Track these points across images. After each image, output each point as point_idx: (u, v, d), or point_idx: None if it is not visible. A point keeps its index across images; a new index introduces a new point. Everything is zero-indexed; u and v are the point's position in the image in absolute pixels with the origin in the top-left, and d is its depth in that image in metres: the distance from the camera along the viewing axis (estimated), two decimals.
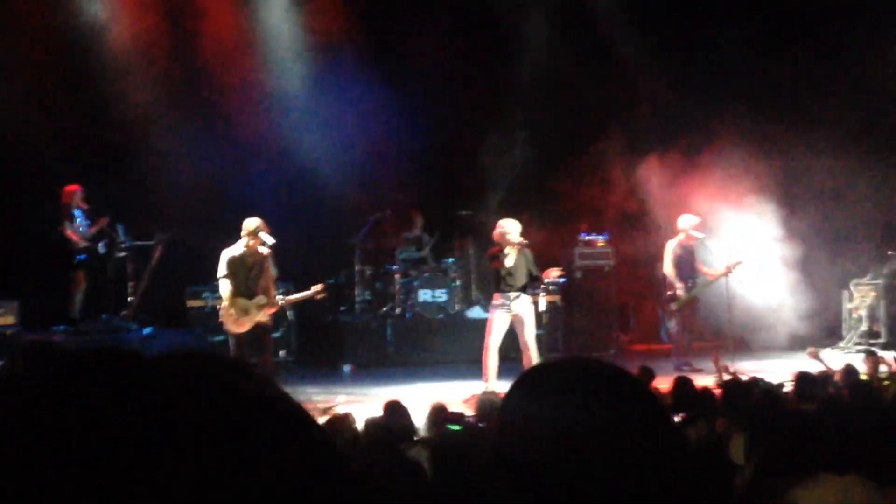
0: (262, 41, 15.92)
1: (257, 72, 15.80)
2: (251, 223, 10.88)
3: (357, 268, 15.29)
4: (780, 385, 8.21)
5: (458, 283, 15.45)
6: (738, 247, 13.77)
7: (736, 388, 7.06)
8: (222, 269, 10.85)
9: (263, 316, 10.92)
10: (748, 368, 11.30)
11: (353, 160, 16.03)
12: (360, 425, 6.47)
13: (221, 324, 13.69)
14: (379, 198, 15.60)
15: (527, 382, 1.35)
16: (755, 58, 16.14)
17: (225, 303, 10.87)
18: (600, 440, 1.21)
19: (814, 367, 9.06)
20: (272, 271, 11.20)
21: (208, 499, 0.74)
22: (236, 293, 10.81)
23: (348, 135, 16.02)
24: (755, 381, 7.83)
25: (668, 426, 1.31)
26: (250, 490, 0.76)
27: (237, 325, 10.84)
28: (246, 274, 10.84)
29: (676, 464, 1.23)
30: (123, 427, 0.75)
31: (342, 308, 15.30)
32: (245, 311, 10.80)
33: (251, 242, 10.81)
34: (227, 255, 10.88)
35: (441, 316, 15.17)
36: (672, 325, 14.01)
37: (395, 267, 15.28)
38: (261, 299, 10.86)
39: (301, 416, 0.84)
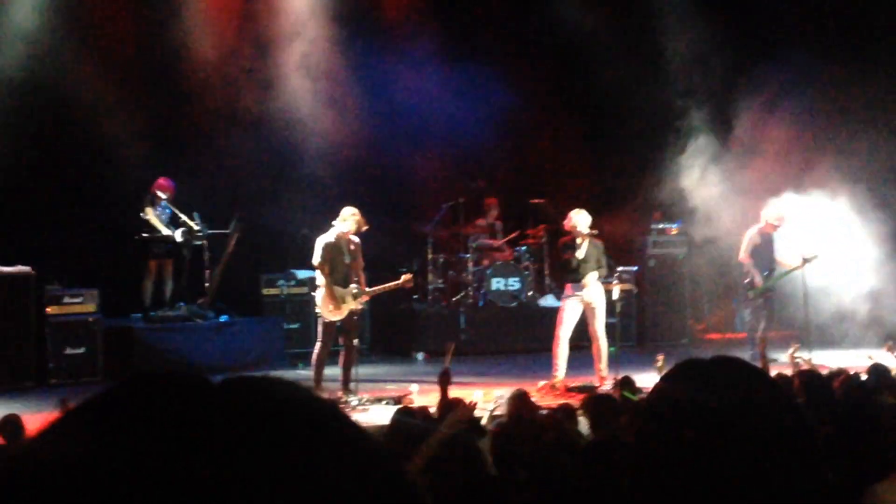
0: (336, 25, 15.84)
1: (333, 56, 15.74)
2: (351, 211, 10.88)
3: (430, 256, 15.33)
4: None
5: (530, 271, 15.43)
6: (817, 237, 13.55)
7: (817, 380, 6.93)
8: (318, 257, 10.86)
9: (357, 304, 10.97)
10: (825, 360, 11.10)
11: (426, 147, 16.03)
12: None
13: (296, 311, 13.86)
14: (453, 185, 15.60)
15: (680, 372, 1.60)
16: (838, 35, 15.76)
17: (322, 291, 10.86)
18: (738, 422, 1.46)
19: (890, 362, 8.87)
20: (361, 260, 11.17)
21: None
22: (332, 281, 10.84)
23: (422, 122, 16.00)
24: (837, 373, 7.66)
25: (795, 410, 1.55)
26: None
27: (333, 312, 10.83)
28: (341, 261, 10.84)
29: (800, 439, 1.48)
30: (174, 453, 0.80)
31: (415, 296, 15.33)
32: (341, 299, 10.82)
33: (345, 230, 10.82)
34: (322, 241, 10.87)
35: (513, 304, 15.16)
36: (747, 314, 13.85)
37: (468, 255, 15.30)
38: (354, 287, 10.87)
39: (358, 436, 0.88)
